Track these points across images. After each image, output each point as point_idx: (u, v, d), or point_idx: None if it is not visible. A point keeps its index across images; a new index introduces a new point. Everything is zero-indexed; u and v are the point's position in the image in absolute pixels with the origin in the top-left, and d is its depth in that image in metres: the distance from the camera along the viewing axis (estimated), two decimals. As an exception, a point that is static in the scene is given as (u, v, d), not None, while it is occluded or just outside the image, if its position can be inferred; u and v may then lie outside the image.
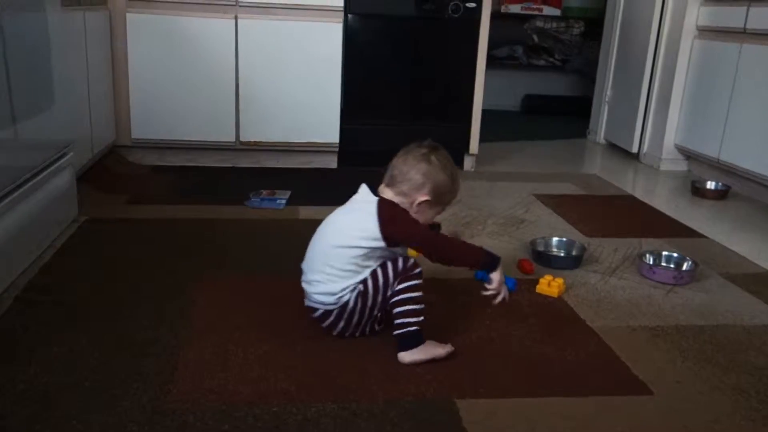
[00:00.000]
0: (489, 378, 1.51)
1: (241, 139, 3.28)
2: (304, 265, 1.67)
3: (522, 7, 5.38)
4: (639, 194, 3.22)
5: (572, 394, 1.46)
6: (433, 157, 1.62)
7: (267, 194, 2.80)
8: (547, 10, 5.42)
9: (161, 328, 1.65)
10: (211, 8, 3.11)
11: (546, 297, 1.95)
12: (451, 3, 3.23)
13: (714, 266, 2.28)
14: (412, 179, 1.61)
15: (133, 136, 3.21)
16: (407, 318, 1.54)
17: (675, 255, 2.23)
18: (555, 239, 2.34)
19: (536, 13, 5.42)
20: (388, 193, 1.64)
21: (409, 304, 1.54)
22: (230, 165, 3.34)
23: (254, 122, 3.27)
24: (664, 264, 2.21)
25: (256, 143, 3.30)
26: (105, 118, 3.03)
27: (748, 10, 3.19)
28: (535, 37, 5.51)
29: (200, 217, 2.53)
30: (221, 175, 3.18)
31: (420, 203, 1.61)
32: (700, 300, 2.00)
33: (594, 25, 5.21)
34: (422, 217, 1.63)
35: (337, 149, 3.40)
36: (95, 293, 1.83)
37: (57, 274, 1.95)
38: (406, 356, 1.54)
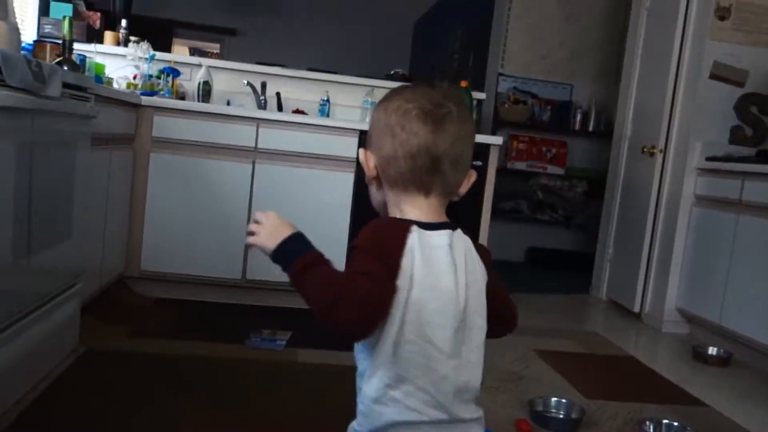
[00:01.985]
0: None
1: (248, 276, 3.34)
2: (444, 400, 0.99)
3: (527, 165, 5.62)
4: (640, 356, 3.20)
5: None
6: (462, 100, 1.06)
7: (267, 335, 2.81)
8: (551, 169, 5.66)
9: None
10: (231, 152, 3.28)
11: (543, 461, 1.91)
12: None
13: (716, 438, 2.23)
14: (470, 159, 1.07)
15: (142, 268, 3.27)
16: None
17: (675, 424, 2.19)
18: (554, 400, 2.31)
19: (541, 171, 5.65)
20: (436, 204, 1.06)
21: None
22: (234, 302, 3.37)
23: (261, 261, 3.32)
24: (664, 433, 2.17)
25: (261, 282, 3.35)
26: (117, 249, 3.11)
27: (743, 184, 3.34)
28: (540, 194, 5.71)
29: (200, 354, 2.53)
30: (225, 311, 3.21)
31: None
32: (702, 474, 1.95)
33: (597, 184, 5.41)
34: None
35: (340, 292, 3.43)
36: (87, 429, 1.81)
37: (51, 406, 1.93)
38: None
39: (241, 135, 3.28)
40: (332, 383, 2.38)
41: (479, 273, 1.04)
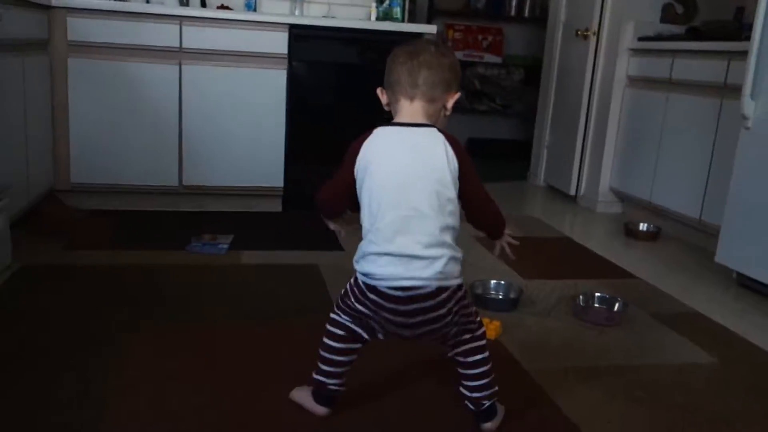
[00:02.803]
0: (427, 429, 1.53)
1: (184, 183, 3.27)
2: (395, 239, 1.34)
3: (464, 54, 5.55)
4: (576, 236, 3.33)
5: (505, 438, 1.49)
6: (443, 48, 1.46)
7: (209, 239, 2.79)
8: (489, 58, 5.61)
9: (91, 380, 1.62)
10: (155, 54, 3.12)
11: (483, 340, 1.99)
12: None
13: (644, 306, 2.37)
14: (446, 80, 1.40)
15: (72, 181, 3.16)
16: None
17: (607, 296, 2.31)
18: (493, 282, 2.40)
19: (478, 60, 5.60)
20: (419, 109, 1.40)
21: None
22: (172, 209, 3.32)
23: (197, 166, 3.27)
24: (596, 305, 2.28)
25: (199, 187, 3.29)
26: (43, 162, 2.99)
27: (672, 62, 3.38)
28: (477, 83, 5.68)
29: (139, 263, 2.50)
30: (163, 219, 3.16)
31: (451, 106, 1.44)
32: (630, 340, 2.08)
33: (533, 72, 5.41)
34: (445, 124, 1.46)
35: (281, 193, 3.42)
36: (23, 345, 1.79)
37: (-14, 324, 1.90)
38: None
39: (164, 35, 3.12)
40: (277, 281, 2.40)
41: (439, 157, 1.35)
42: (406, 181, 1.34)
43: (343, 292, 1.45)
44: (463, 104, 5.69)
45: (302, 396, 1.53)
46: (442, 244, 1.33)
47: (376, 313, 1.37)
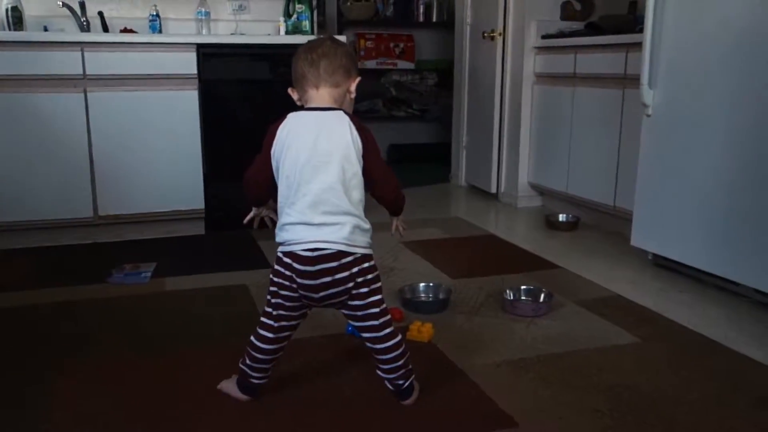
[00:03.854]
0: (352, 408, 1.54)
1: (100, 213, 3.16)
2: (307, 208, 1.51)
3: (377, 62, 5.60)
4: (500, 233, 3.40)
5: (444, 437, 1.51)
6: (338, 40, 1.62)
7: (130, 269, 2.71)
8: (402, 64, 5.68)
9: (19, 425, 1.55)
10: (58, 83, 3.01)
11: (417, 343, 2.01)
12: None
13: (568, 294, 2.44)
14: (344, 65, 1.57)
15: (-22, 221, 3.01)
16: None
17: (532, 288, 2.37)
18: (422, 285, 2.42)
19: (391, 67, 5.66)
20: (325, 95, 1.56)
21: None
22: (90, 241, 3.20)
23: (112, 195, 3.17)
24: (523, 298, 2.34)
25: (115, 216, 3.19)
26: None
27: (575, 57, 3.52)
28: (393, 90, 5.74)
29: (60, 300, 2.40)
30: (81, 253, 3.04)
31: (354, 90, 1.61)
32: (558, 328, 2.14)
33: (446, 75, 5.51)
34: (351, 108, 1.62)
35: (203, 215, 3.35)
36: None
37: None
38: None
39: (66, 62, 3.01)
40: (205, 305, 2.35)
41: (345, 136, 1.52)
42: (317, 158, 1.50)
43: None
44: (381, 112, 5.74)
45: (229, 387, 1.67)
46: (348, 213, 1.50)
47: (292, 280, 1.51)
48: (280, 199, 1.55)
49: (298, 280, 1.50)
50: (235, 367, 1.65)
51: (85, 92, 3.05)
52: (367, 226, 1.55)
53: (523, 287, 2.38)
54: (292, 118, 1.56)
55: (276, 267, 1.55)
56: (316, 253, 1.48)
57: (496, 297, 2.40)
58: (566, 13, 3.88)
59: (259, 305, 2.30)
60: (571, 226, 3.48)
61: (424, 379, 1.72)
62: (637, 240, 2.82)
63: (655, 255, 2.80)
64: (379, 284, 1.58)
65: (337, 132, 1.52)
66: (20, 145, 3.00)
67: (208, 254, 3.02)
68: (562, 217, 3.53)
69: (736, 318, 2.25)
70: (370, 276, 1.55)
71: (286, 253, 1.51)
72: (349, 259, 1.50)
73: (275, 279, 1.54)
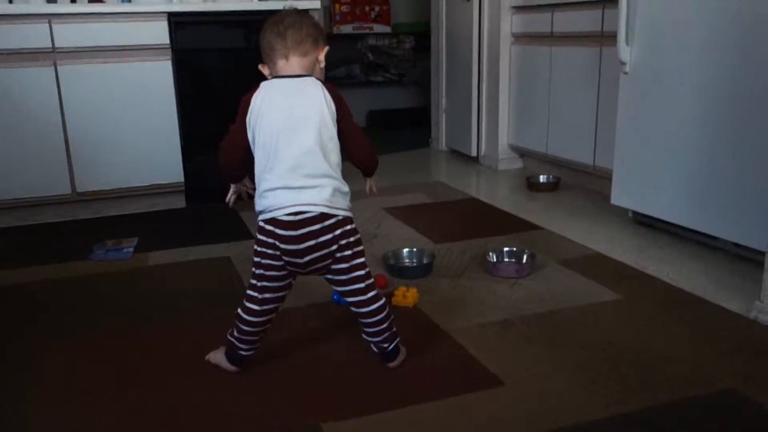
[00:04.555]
0: (352, 397, 1.55)
1: (78, 190, 3.12)
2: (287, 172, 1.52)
3: (353, 27, 5.53)
4: (481, 196, 3.41)
5: (433, 399, 1.53)
6: (302, 12, 1.66)
7: (112, 245, 2.69)
8: (378, 28, 5.62)
9: (6, 404, 1.55)
10: (26, 57, 2.94)
11: (402, 308, 2.02)
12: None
13: (551, 254, 2.47)
14: (311, 34, 1.59)
15: (-47, 202, 2.97)
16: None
17: (515, 249, 2.39)
18: (405, 250, 2.43)
19: (368, 31, 5.60)
20: (295, 64, 1.58)
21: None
22: (70, 218, 3.17)
23: (90, 171, 3.13)
24: (506, 259, 2.36)
25: (94, 192, 3.15)
26: None
27: (552, 16, 3.49)
28: (370, 55, 5.69)
29: (42, 278, 2.38)
30: (61, 230, 3.01)
31: (323, 59, 1.63)
32: (541, 288, 2.16)
33: (423, 38, 5.46)
34: (322, 76, 1.65)
35: (183, 188, 3.33)
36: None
37: None
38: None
39: (34, 36, 2.94)
40: (189, 279, 2.35)
41: (320, 101, 1.54)
42: (294, 123, 1.51)
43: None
44: (359, 78, 5.69)
45: (217, 358, 1.69)
46: (328, 176, 1.52)
47: (275, 247, 1.51)
48: (257, 167, 1.55)
49: (282, 246, 1.50)
50: (223, 338, 1.65)
51: (55, 66, 2.99)
52: (346, 189, 1.56)
53: (505, 249, 2.40)
54: (266, 85, 1.57)
55: (258, 236, 1.55)
56: (299, 217, 1.49)
57: (479, 260, 2.42)
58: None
59: (244, 277, 2.30)
60: (552, 186, 3.50)
61: (410, 343, 1.74)
62: (616, 198, 2.84)
63: (634, 213, 2.83)
64: (361, 248, 1.59)
65: (311, 97, 1.54)
66: (-8, 123, 2.94)
67: (190, 227, 3.00)
68: (542, 179, 3.55)
69: (714, 272, 2.29)
70: (352, 239, 1.56)
71: (267, 221, 1.52)
72: (332, 221, 1.51)
73: (258, 248, 1.54)
